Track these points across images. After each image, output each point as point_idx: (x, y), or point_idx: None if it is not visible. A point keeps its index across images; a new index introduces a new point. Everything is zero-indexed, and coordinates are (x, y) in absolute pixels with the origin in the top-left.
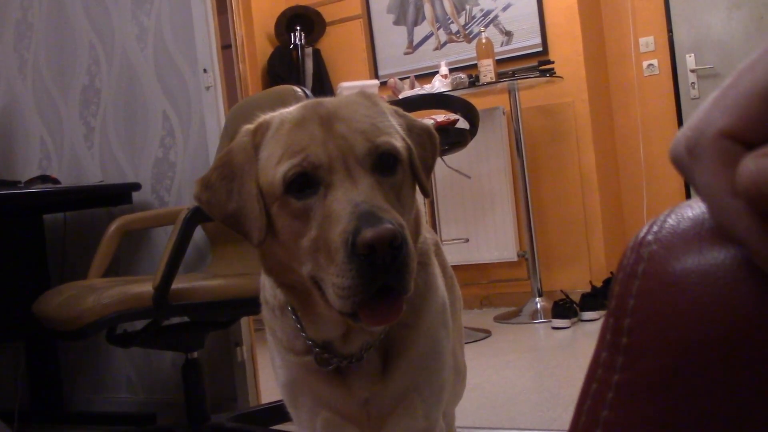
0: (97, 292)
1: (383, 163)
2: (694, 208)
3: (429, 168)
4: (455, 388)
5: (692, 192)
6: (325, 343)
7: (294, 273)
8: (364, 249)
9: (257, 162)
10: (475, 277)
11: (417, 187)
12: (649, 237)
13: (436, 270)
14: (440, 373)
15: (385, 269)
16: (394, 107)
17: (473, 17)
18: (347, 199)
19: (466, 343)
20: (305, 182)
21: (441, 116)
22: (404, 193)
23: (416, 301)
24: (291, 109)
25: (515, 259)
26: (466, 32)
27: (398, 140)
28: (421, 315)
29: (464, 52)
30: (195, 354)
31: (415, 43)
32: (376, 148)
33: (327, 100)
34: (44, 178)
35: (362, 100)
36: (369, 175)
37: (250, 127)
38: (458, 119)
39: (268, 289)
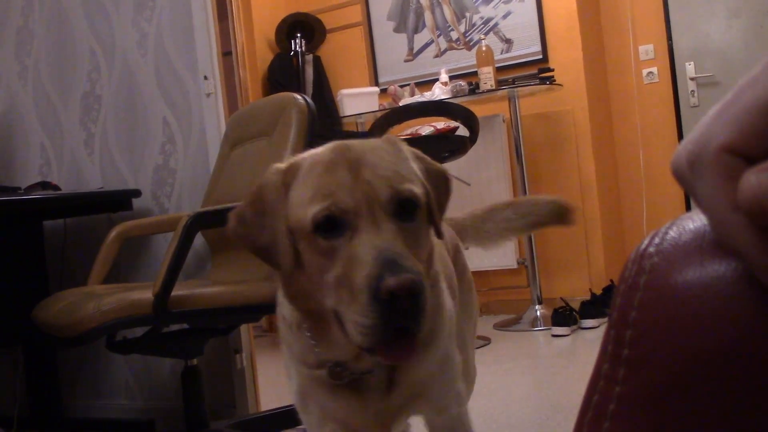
0: (97, 299)
1: (404, 208)
2: (696, 221)
3: (443, 209)
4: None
5: (692, 200)
6: (338, 361)
7: (315, 302)
8: (387, 295)
9: (287, 200)
10: (474, 284)
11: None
12: (651, 249)
13: (444, 289)
14: (448, 379)
15: (404, 313)
16: (415, 151)
17: (473, 25)
18: (372, 245)
19: None
20: (333, 224)
21: (441, 123)
22: (421, 236)
23: (428, 325)
24: (321, 151)
25: (515, 266)
26: (467, 40)
27: (418, 186)
28: (434, 335)
29: (464, 59)
30: (194, 361)
31: (415, 51)
32: (398, 194)
33: (354, 144)
34: (44, 185)
35: (387, 146)
36: (392, 221)
37: (281, 166)
38: (458, 127)
39: (285, 307)
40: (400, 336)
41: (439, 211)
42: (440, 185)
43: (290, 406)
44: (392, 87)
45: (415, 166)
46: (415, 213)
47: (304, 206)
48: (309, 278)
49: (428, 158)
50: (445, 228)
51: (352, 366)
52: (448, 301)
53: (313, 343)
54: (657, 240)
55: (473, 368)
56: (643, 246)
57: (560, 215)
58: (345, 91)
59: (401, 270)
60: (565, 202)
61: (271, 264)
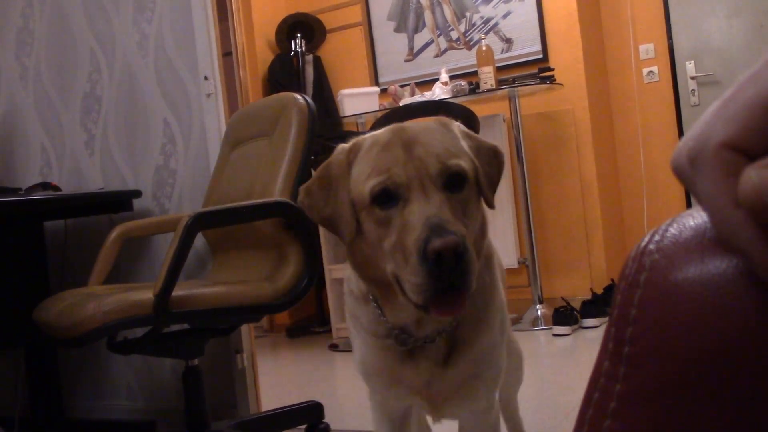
0: (98, 300)
1: (453, 181)
2: (696, 218)
3: (494, 183)
4: (516, 374)
5: (693, 199)
6: (402, 327)
7: (377, 268)
8: (433, 254)
9: (350, 176)
10: None
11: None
12: (651, 246)
13: (498, 271)
14: (497, 363)
15: (450, 271)
16: (466, 130)
17: (473, 24)
18: (421, 213)
19: None
20: (388, 196)
21: None
22: (470, 207)
23: (484, 298)
24: (380, 132)
25: (516, 266)
26: (467, 39)
27: (466, 161)
28: (488, 311)
29: (464, 59)
30: (195, 361)
31: (415, 51)
32: (447, 168)
33: (409, 126)
34: (45, 185)
35: (438, 126)
36: (440, 192)
37: (345, 146)
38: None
39: (353, 281)
40: (449, 292)
41: (489, 185)
42: (491, 161)
43: (290, 406)
44: (392, 87)
45: (464, 144)
46: (463, 185)
47: (363, 181)
48: (370, 246)
49: (479, 137)
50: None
51: (415, 332)
52: (501, 286)
53: (379, 312)
54: (657, 237)
55: (520, 351)
56: (644, 243)
57: None
58: (345, 91)
59: (446, 233)
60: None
61: (336, 233)
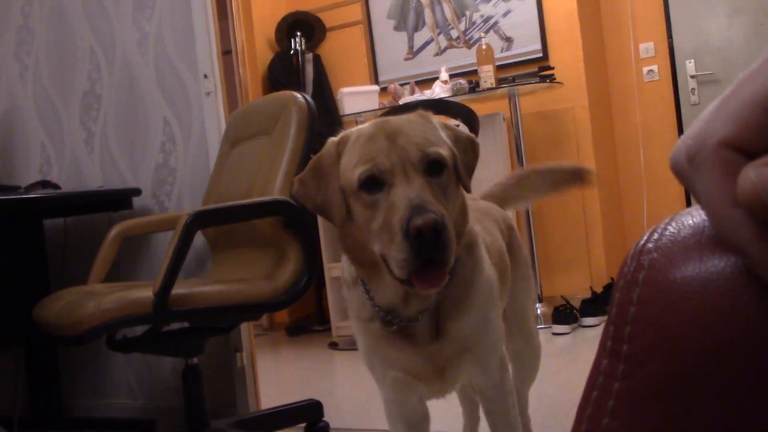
0: (97, 298)
1: (432, 167)
2: (695, 216)
3: (471, 169)
4: (530, 369)
5: (691, 195)
6: (390, 308)
7: (366, 250)
8: (414, 231)
9: (339, 165)
10: None
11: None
12: (650, 245)
13: (483, 254)
14: (489, 339)
15: (430, 246)
16: (445, 122)
17: (473, 23)
18: (404, 195)
19: None
20: (374, 182)
21: None
22: (449, 190)
23: (466, 277)
24: (365, 126)
25: None
26: (467, 38)
27: (445, 149)
28: (470, 291)
29: (464, 57)
30: (195, 359)
31: (415, 49)
32: (427, 156)
33: (392, 119)
34: (44, 184)
35: (419, 119)
36: (421, 177)
37: (334, 139)
38: (458, 125)
39: (345, 269)
40: (430, 267)
41: (466, 171)
42: (467, 149)
43: (290, 404)
44: (392, 85)
45: (443, 134)
46: (442, 171)
47: (351, 169)
48: (359, 229)
49: (457, 128)
50: (497, 209)
51: (402, 312)
52: (487, 268)
53: (367, 296)
54: (656, 236)
55: (538, 343)
56: (642, 242)
57: (580, 176)
58: (345, 90)
59: (426, 212)
60: (583, 166)
61: (328, 218)
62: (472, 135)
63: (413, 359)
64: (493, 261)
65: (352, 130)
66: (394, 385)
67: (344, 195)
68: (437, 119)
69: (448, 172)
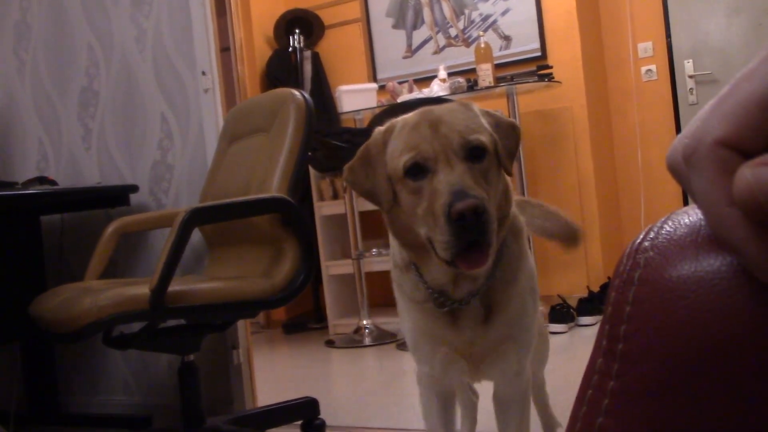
0: (94, 294)
1: (474, 153)
2: (691, 215)
3: (512, 154)
4: (542, 352)
5: (688, 194)
6: (441, 290)
7: (413, 234)
8: (456, 215)
9: (386, 153)
10: None
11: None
12: (646, 243)
13: (526, 241)
14: (529, 329)
15: (471, 228)
16: (486, 110)
17: (472, 21)
18: (446, 181)
19: None
20: (418, 168)
21: None
22: (491, 175)
23: (512, 263)
24: (410, 115)
25: None
26: (465, 36)
27: (485, 136)
28: (517, 275)
29: (463, 56)
30: (191, 356)
31: (413, 47)
32: (468, 143)
33: (436, 108)
34: (42, 180)
35: (460, 107)
36: (463, 163)
37: (381, 128)
38: (499, 111)
39: (396, 254)
40: (473, 248)
41: (507, 155)
42: (509, 135)
43: (286, 402)
44: (391, 83)
45: (484, 121)
46: (483, 156)
47: (397, 157)
48: (405, 214)
49: (498, 114)
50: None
51: (452, 294)
52: (530, 257)
53: (419, 279)
54: (652, 234)
55: (543, 325)
56: (638, 240)
57: (570, 237)
58: (343, 88)
59: (467, 197)
60: (580, 230)
61: (376, 203)
62: (513, 120)
63: (461, 339)
64: None
65: (398, 120)
66: (442, 361)
67: (391, 181)
68: (477, 107)
69: (489, 157)
